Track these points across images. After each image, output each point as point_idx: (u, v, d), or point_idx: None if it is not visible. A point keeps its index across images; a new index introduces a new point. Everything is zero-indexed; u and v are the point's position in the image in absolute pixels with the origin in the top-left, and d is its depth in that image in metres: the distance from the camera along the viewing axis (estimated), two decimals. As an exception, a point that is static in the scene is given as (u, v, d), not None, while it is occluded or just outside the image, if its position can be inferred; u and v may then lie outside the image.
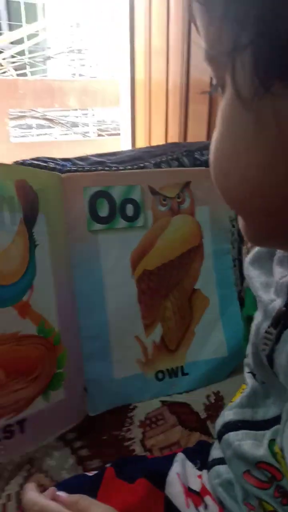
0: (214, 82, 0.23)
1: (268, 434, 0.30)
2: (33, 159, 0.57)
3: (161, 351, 0.58)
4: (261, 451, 0.29)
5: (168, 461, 0.38)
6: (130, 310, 0.57)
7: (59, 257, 0.53)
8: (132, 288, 0.57)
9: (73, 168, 0.57)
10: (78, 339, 0.54)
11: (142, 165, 0.60)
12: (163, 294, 0.59)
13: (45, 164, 0.57)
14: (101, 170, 0.58)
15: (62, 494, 0.32)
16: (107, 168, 0.58)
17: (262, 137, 0.20)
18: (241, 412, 0.33)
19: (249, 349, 0.32)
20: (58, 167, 0.57)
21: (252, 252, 0.33)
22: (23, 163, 0.56)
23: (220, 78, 0.22)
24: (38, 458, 0.47)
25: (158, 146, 0.66)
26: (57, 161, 0.58)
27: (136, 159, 0.61)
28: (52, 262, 0.52)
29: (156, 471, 0.36)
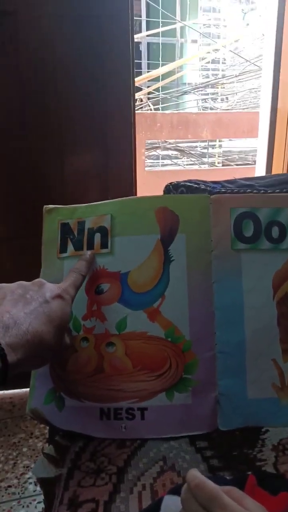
0: None
1: None
2: (186, 181, 0.63)
3: (298, 378, 0.56)
4: None
5: (313, 484, 0.36)
6: (269, 332, 0.57)
7: (197, 272, 0.57)
8: (272, 310, 0.57)
9: (222, 190, 0.61)
10: (214, 353, 0.56)
11: (291, 189, 0.60)
12: (305, 320, 0.57)
13: (197, 186, 0.61)
14: (249, 192, 0.60)
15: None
16: (255, 191, 0.60)
17: None
18: None
19: None
20: (208, 188, 0.61)
21: None
22: (177, 185, 0.62)
23: None
24: (171, 458, 0.50)
25: (309, 171, 0.65)
26: (208, 183, 0.63)
27: (285, 182, 0.62)
28: (188, 276, 0.57)
29: (301, 491, 0.35)
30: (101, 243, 0.58)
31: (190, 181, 0.63)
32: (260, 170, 1.46)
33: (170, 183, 0.62)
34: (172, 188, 0.61)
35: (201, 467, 0.48)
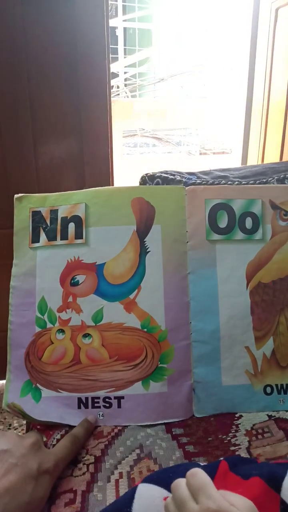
0: None
1: None
2: (162, 172, 0.63)
3: (271, 366, 0.58)
4: None
5: (282, 467, 0.38)
6: (242, 321, 0.58)
7: (173, 263, 0.58)
8: (245, 299, 0.58)
9: (197, 181, 0.61)
10: (189, 342, 0.57)
11: (265, 180, 0.61)
12: (277, 309, 0.59)
13: (172, 177, 0.61)
14: (224, 184, 0.61)
15: None
16: (230, 182, 0.61)
17: None
18: None
19: None
20: (184, 179, 0.61)
21: None
22: (153, 176, 0.62)
23: None
24: (148, 445, 0.51)
25: (282, 163, 0.66)
26: (183, 174, 0.63)
27: (259, 174, 0.62)
28: (164, 267, 0.58)
29: (271, 473, 0.36)
30: (75, 233, 0.58)
31: (166, 172, 0.63)
32: (236, 160, 1.47)
33: (146, 174, 0.62)
34: (148, 179, 0.60)
35: (177, 454, 0.50)
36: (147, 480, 0.40)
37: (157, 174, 0.61)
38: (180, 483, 0.34)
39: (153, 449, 0.50)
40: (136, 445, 0.51)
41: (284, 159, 1.13)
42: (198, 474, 0.33)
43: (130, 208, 0.58)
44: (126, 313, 0.56)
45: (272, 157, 1.25)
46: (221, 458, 0.40)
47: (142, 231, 0.58)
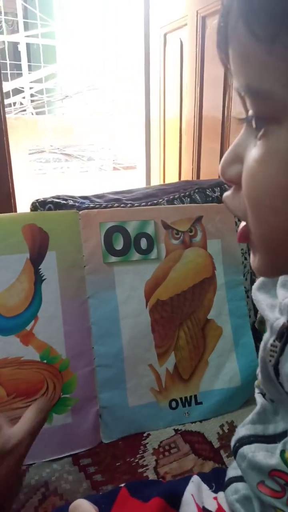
0: (251, 113, 0.24)
1: (279, 445, 0.32)
2: (53, 197, 0.62)
3: (174, 380, 0.60)
4: (274, 460, 0.31)
5: (183, 482, 0.39)
6: (144, 339, 0.59)
7: (71, 289, 0.57)
8: (146, 317, 0.60)
9: (90, 205, 0.61)
10: (93, 367, 0.57)
11: (155, 201, 0.64)
12: (177, 324, 0.61)
13: (65, 201, 0.61)
14: (117, 207, 0.62)
15: None
16: (122, 205, 0.62)
17: None
18: (253, 427, 0.35)
19: (258, 366, 0.35)
20: (77, 204, 0.61)
21: (258, 280, 0.37)
22: (44, 202, 0.60)
23: (266, 111, 0.22)
24: (53, 481, 0.49)
25: (171, 184, 0.70)
26: (76, 199, 0.63)
27: (150, 196, 0.65)
28: (61, 294, 0.57)
29: (171, 491, 0.37)
30: None
31: (58, 197, 0.62)
32: (140, 176, 1.52)
33: (37, 200, 0.60)
34: (39, 205, 0.59)
35: (84, 486, 0.49)
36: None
37: (49, 200, 0.60)
38: None
39: (59, 484, 0.49)
40: (41, 483, 0.49)
41: (182, 178, 1.18)
42: (82, 506, 0.33)
43: (21, 236, 0.56)
44: (23, 346, 0.54)
45: (173, 173, 1.31)
46: (122, 485, 0.40)
47: (36, 259, 0.56)
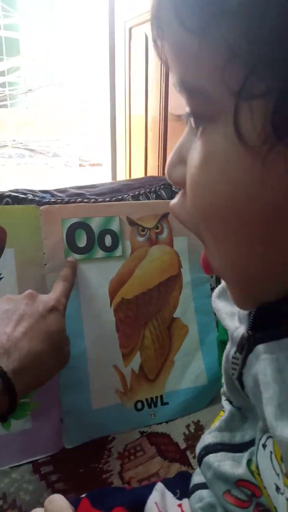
0: (188, 110, 0.22)
1: (245, 455, 0.31)
2: (11, 190, 0.58)
3: (140, 381, 0.58)
4: (240, 470, 0.30)
5: (147, 490, 0.37)
6: (108, 340, 0.57)
7: (30, 288, 0.54)
8: (110, 317, 0.58)
9: (52, 200, 0.59)
10: (56, 370, 0.54)
11: (120, 197, 0.62)
12: (142, 323, 0.59)
13: (24, 196, 0.58)
14: (80, 202, 0.59)
15: None
16: (86, 200, 0.60)
17: (269, 186, 0.19)
18: (220, 435, 0.34)
19: (223, 376, 0.33)
20: (37, 199, 0.58)
21: (218, 287, 0.36)
22: (1, 196, 0.57)
23: (201, 109, 0.21)
24: (12, 493, 0.46)
25: (137, 180, 0.68)
26: (36, 193, 0.60)
27: (115, 191, 0.62)
28: (20, 293, 0.53)
29: (134, 500, 0.36)
30: None
31: (16, 190, 0.59)
32: (106, 172, 1.49)
33: (-5, 193, 0.57)
34: (-4, 200, 0.56)
35: (45, 495, 0.46)
36: None
37: (6, 193, 0.57)
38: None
39: (18, 496, 0.46)
40: (-2, 495, 0.46)
41: (148, 174, 1.17)
42: (57, 500, 0.33)
43: None
44: None
45: (139, 170, 1.29)
46: (83, 495, 0.38)
47: None
